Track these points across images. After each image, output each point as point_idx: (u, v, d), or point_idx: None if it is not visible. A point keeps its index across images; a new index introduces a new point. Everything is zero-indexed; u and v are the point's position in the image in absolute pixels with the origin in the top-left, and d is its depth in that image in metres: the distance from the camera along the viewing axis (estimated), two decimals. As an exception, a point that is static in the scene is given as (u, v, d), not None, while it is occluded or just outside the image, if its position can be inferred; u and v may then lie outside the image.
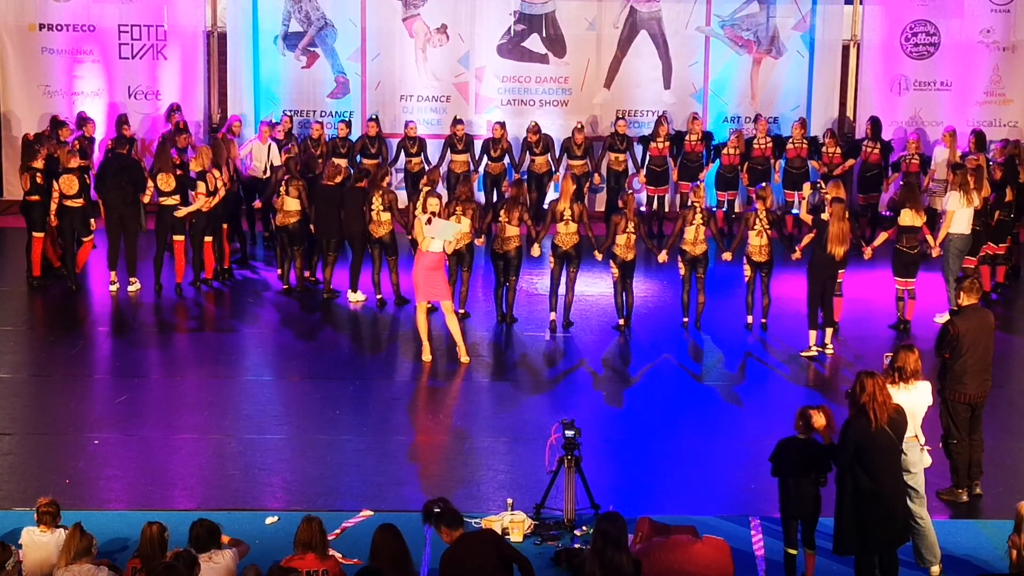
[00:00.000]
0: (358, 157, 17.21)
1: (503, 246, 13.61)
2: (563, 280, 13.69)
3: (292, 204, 14.58)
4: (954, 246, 13.92)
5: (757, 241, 13.40)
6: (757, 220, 13.38)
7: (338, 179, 14.57)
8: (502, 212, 13.58)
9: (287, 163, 15.17)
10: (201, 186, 14.70)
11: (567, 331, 13.69)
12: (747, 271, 13.61)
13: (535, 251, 13.80)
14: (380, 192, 14.23)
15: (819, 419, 8.28)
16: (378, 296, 14.46)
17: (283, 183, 14.66)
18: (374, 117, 17.68)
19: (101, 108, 18.40)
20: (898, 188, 16.96)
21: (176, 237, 14.86)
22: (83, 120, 17.07)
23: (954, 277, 13.70)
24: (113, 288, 14.88)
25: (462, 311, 13.86)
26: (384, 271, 14.49)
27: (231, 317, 14.46)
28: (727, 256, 13.64)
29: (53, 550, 8.09)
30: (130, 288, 14.87)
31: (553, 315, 13.75)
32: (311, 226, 14.61)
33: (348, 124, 17.59)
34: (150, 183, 14.83)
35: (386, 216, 14.20)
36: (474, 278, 14.51)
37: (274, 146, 16.96)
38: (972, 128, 17.16)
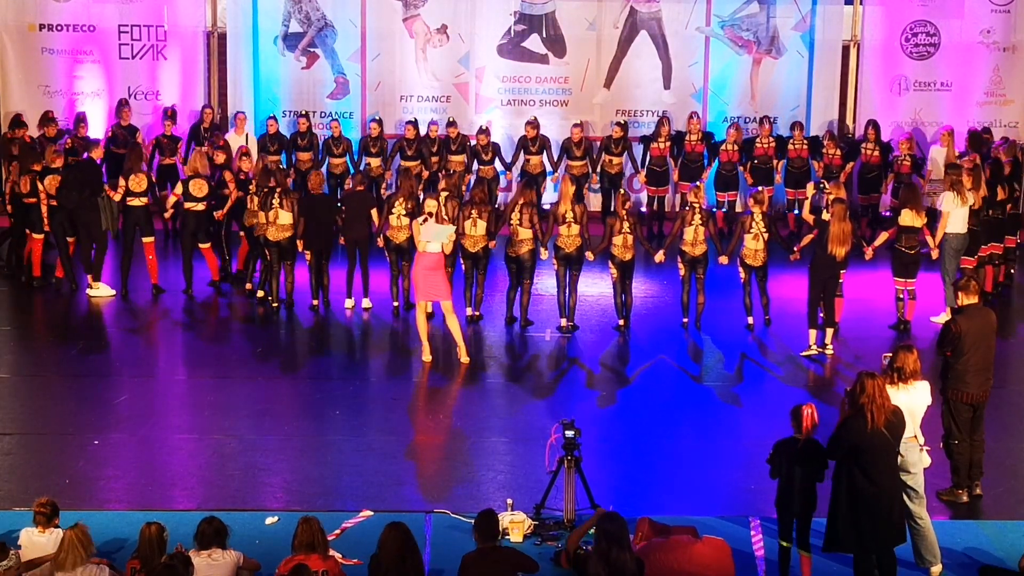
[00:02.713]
0: (397, 159, 17.37)
1: (516, 249, 13.57)
2: (566, 283, 13.67)
3: (285, 218, 13.97)
4: (950, 246, 13.93)
5: (753, 245, 13.40)
6: (753, 224, 13.38)
7: (350, 186, 14.37)
8: (513, 215, 13.52)
9: (276, 175, 14.51)
10: (180, 187, 14.69)
11: (571, 334, 13.67)
12: (742, 274, 13.62)
13: (543, 254, 13.74)
14: (403, 198, 13.76)
15: (811, 419, 8.32)
16: (395, 304, 14.11)
17: (276, 195, 14.04)
18: (412, 121, 17.66)
19: (102, 108, 18.41)
20: (894, 190, 17.07)
21: (145, 239, 14.72)
22: (47, 119, 17.02)
23: (951, 277, 13.72)
24: (91, 292, 14.77)
25: (476, 314, 13.85)
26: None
27: (230, 318, 14.44)
28: (723, 260, 13.65)
29: (51, 550, 8.06)
30: (94, 293, 14.67)
31: (564, 321, 13.72)
32: (298, 241, 14.02)
33: (380, 122, 17.62)
34: (122, 181, 14.67)
35: (406, 221, 13.63)
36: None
37: (251, 137, 17.09)
38: (969, 128, 17.17)
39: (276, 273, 14.27)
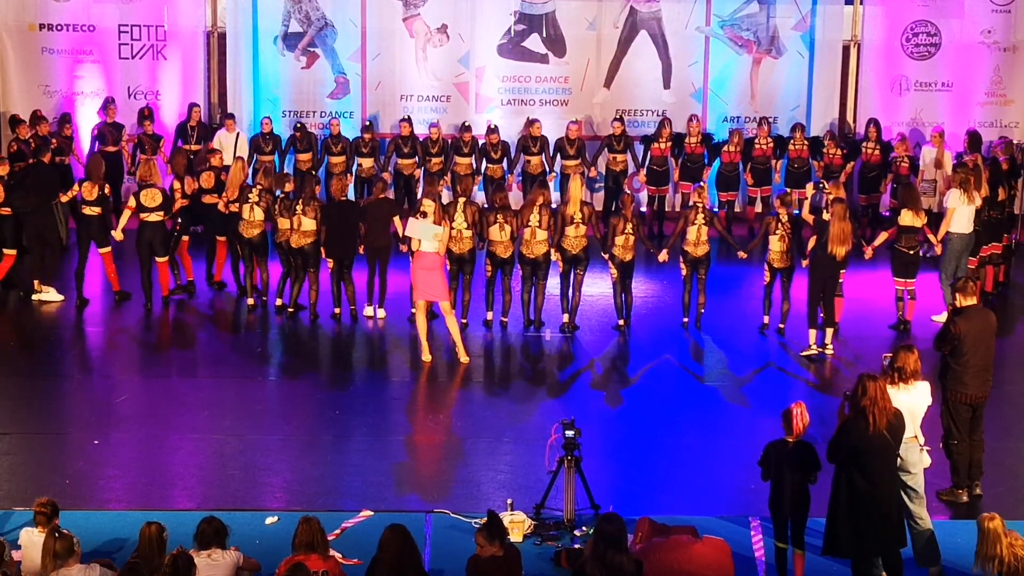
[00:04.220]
0: (394, 158, 17.42)
1: (533, 250, 13.49)
2: (570, 282, 13.65)
3: (308, 224, 13.73)
4: (954, 245, 13.91)
5: (779, 247, 13.29)
6: (779, 226, 13.30)
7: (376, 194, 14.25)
8: (532, 216, 13.48)
9: (304, 181, 14.44)
10: (132, 200, 14.19)
11: (572, 334, 13.66)
12: (767, 276, 13.51)
13: (555, 256, 13.66)
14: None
15: (802, 419, 8.33)
16: (413, 311, 13.84)
17: (299, 202, 13.82)
18: (407, 118, 17.69)
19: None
20: (893, 190, 17.07)
21: (101, 250, 14.34)
22: (37, 118, 16.96)
23: (949, 276, 13.71)
24: (36, 297, 14.50)
25: (504, 319, 13.76)
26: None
27: (230, 320, 14.43)
28: (743, 255, 13.62)
29: (52, 551, 8.06)
30: (41, 296, 14.44)
31: (566, 317, 13.71)
32: (321, 248, 13.81)
33: (371, 126, 17.72)
34: (75, 187, 14.44)
35: None
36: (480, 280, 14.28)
37: (242, 135, 17.16)
38: (968, 128, 17.17)
39: (301, 280, 13.99)
